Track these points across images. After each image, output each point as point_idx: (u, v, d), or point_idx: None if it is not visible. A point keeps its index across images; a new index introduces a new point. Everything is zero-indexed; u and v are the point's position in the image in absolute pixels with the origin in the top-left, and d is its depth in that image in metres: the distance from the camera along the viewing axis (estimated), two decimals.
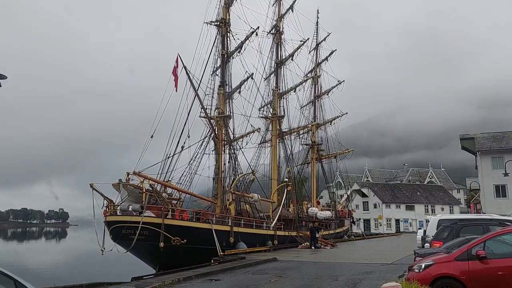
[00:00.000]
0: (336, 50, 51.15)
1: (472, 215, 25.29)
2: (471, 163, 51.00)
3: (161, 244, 21.31)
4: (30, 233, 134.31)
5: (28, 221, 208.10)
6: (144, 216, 21.51)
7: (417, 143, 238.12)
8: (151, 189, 23.11)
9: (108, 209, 23.09)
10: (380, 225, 68.79)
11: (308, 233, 30.55)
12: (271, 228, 29.63)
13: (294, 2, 40.96)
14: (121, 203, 22.86)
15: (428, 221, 18.40)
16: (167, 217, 22.47)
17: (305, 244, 29.64)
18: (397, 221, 69.62)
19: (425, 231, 17.74)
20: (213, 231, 23.21)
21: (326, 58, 51.25)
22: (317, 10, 51.52)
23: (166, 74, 27.46)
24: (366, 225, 68.63)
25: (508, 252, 8.15)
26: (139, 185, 22.76)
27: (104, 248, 22.17)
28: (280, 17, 41.09)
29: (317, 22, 51.18)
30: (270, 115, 38.83)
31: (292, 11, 41.11)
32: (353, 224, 56.59)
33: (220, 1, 31.73)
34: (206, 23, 30.92)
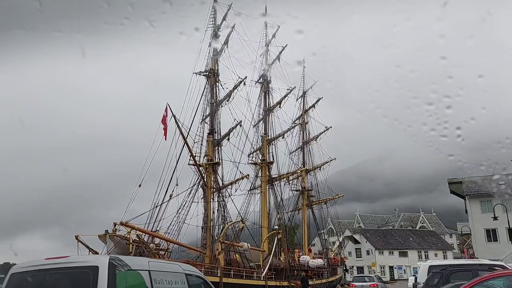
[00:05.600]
0: (322, 97, 52.04)
1: (463, 260, 25.05)
2: (461, 206, 50.96)
3: None
4: None
5: None
6: None
7: (407, 187, 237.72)
8: (138, 239, 22.59)
9: None
10: (374, 272, 67.33)
11: (299, 282, 29.77)
12: (262, 278, 28.85)
13: (280, 52, 42.49)
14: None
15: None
16: None
17: None
18: (391, 268, 68.31)
19: (416, 278, 17.48)
20: None
21: (313, 105, 52.32)
22: (303, 59, 53.03)
23: (155, 123, 27.72)
24: (359, 272, 67.05)
25: None
26: (126, 235, 22.25)
27: None
28: (268, 67, 42.45)
29: (303, 71, 52.79)
30: (259, 161, 39.02)
31: (279, 61, 42.55)
32: (346, 272, 55.31)
33: (209, 53, 32.79)
34: (195, 73, 31.77)
